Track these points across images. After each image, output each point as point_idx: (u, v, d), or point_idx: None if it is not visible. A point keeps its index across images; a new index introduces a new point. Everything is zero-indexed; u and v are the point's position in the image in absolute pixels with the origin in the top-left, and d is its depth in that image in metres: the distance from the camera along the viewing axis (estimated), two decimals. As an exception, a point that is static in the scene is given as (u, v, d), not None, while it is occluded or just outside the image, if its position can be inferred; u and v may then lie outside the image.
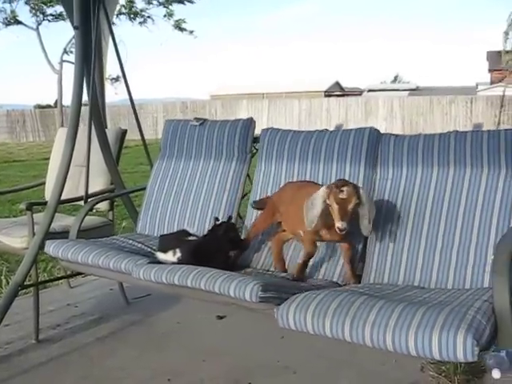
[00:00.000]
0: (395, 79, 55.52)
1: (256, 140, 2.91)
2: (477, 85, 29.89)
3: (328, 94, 30.54)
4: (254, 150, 2.93)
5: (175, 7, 18.94)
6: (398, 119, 21.24)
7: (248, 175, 2.92)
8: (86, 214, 2.86)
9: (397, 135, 2.49)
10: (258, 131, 2.96)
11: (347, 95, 27.81)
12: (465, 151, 2.25)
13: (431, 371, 2.59)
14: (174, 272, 2.05)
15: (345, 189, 2.05)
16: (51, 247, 2.56)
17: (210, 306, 3.24)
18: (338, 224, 2.03)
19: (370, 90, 31.52)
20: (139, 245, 2.72)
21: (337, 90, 33.24)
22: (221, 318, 3.33)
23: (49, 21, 20.69)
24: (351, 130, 2.61)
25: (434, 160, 2.32)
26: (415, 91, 29.64)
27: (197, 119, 3.10)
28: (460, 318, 1.55)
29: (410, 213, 2.30)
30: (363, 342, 1.64)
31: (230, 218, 2.62)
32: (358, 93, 30.60)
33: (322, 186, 2.24)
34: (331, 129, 2.80)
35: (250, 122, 2.94)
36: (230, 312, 3.32)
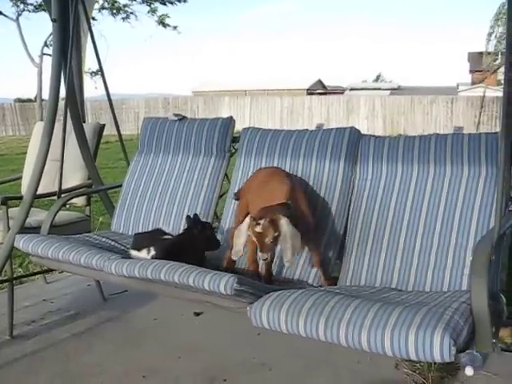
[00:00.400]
0: (377, 78, 55.83)
1: (235, 139, 2.90)
2: (458, 85, 30.18)
3: (310, 92, 30.58)
4: (233, 150, 2.92)
5: (158, 5, 18.76)
6: (380, 118, 21.35)
7: (226, 175, 2.91)
8: (59, 209, 2.82)
9: (377, 137, 2.50)
10: (239, 128, 2.95)
11: (329, 93, 27.88)
12: (445, 153, 2.26)
13: (405, 368, 2.61)
14: (147, 266, 2.02)
15: (261, 222, 2.01)
16: (21, 241, 2.52)
17: (187, 303, 3.25)
18: (260, 255, 2.06)
19: (352, 89, 31.65)
20: (112, 242, 2.69)
21: (319, 88, 33.29)
22: (198, 314, 3.32)
23: (29, 11, 20.35)
24: (332, 129, 2.61)
25: (414, 161, 2.32)
26: (397, 90, 29.83)
27: (175, 114, 3.08)
28: (437, 318, 1.54)
29: (388, 214, 2.30)
30: (338, 342, 1.63)
31: (195, 215, 2.50)
32: (340, 91, 30.71)
33: (289, 180, 2.27)
34: (313, 127, 2.80)
35: (229, 121, 2.93)
36: (207, 309, 3.31)
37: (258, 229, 2.01)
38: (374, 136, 2.51)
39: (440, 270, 2.12)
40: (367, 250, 2.29)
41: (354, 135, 2.51)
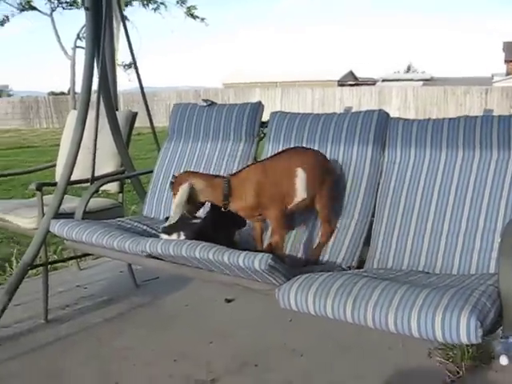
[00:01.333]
0: (408, 69, 55.15)
1: (263, 124, 2.90)
2: (492, 76, 29.61)
3: (341, 83, 30.38)
4: (262, 135, 2.91)
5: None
6: (412, 109, 21.10)
7: (255, 159, 2.89)
8: (92, 195, 2.85)
9: (405, 119, 2.46)
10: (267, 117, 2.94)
11: (361, 85, 27.64)
12: (474, 135, 2.22)
13: (438, 357, 2.58)
14: (182, 244, 2.01)
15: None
16: (56, 226, 2.55)
17: (218, 288, 3.28)
18: None
19: (384, 80, 31.33)
20: (144, 227, 2.71)
21: (350, 80, 33.06)
22: (229, 301, 3.34)
23: (63, 8, 20.70)
24: (360, 112, 2.58)
25: (443, 144, 2.28)
26: (429, 81, 29.42)
27: (205, 100, 3.09)
28: (464, 300, 1.52)
29: (416, 197, 2.28)
30: (365, 323, 1.61)
31: None
32: (371, 82, 30.42)
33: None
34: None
35: (258, 106, 2.92)
36: (238, 295, 3.33)
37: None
38: (402, 119, 2.47)
39: (468, 253, 2.09)
40: (395, 233, 2.27)
41: (383, 118, 2.48)
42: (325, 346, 2.75)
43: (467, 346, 2.58)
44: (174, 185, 2.27)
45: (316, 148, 2.56)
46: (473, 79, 27.57)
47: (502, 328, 1.57)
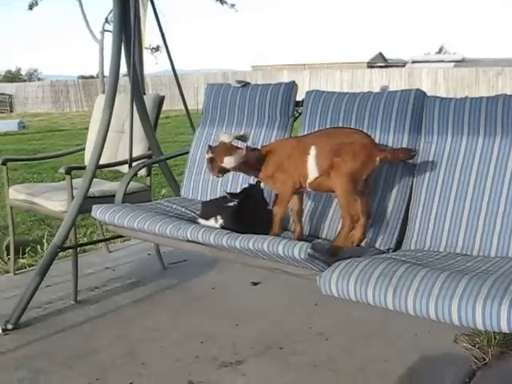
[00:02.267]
0: (440, 50, 54.19)
1: (298, 104, 2.89)
2: (526, 56, 28.93)
3: (371, 65, 30.02)
4: (297, 114, 2.90)
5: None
6: (442, 91, 20.79)
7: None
8: (131, 179, 2.89)
9: (442, 98, 2.41)
10: (299, 98, 2.92)
11: (390, 67, 27.28)
12: None
13: (465, 343, 2.56)
14: (222, 235, 2.05)
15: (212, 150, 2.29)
16: (98, 212, 2.58)
17: (244, 272, 3.30)
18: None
19: (413, 62, 30.84)
20: (183, 209, 2.73)
21: (380, 62, 32.65)
22: (255, 284, 3.36)
23: (91, -11, 20.77)
24: (396, 91, 2.53)
25: (481, 123, 2.23)
26: (461, 63, 28.86)
27: (238, 81, 3.08)
28: (504, 288, 1.53)
29: (454, 177, 2.24)
30: (406, 311, 1.63)
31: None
32: (401, 64, 30.00)
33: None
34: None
35: (292, 86, 2.90)
36: (264, 279, 3.35)
37: (209, 154, 2.27)
38: (439, 97, 2.42)
39: (506, 234, 2.07)
40: (432, 214, 2.25)
41: (420, 97, 2.44)
42: (350, 330, 2.76)
43: (494, 332, 2.56)
44: (217, 155, 2.27)
45: (352, 126, 2.53)
46: (506, 60, 26.96)
47: None
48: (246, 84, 3.07)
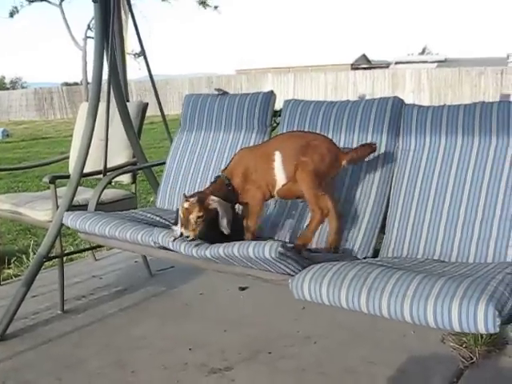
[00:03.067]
0: (423, 51, 54.53)
1: (276, 113, 2.89)
2: (508, 56, 29.18)
3: (354, 67, 30.15)
4: (275, 124, 2.91)
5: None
6: (426, 92, 20.92)
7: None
8: (105, 187, 2.88)
9: (420, 106, 2.43)
10: (281, 105, 2.93)
11: (374, 68, 27.40)
12: (491, 122, 2.18)
13: (452, 342, 2.58)
14: (191, 246, 2.03)
15: (190, 200, 2.08)
16: (69, 219, 2.58)
17: (232, 277, 3.27)
18: (183, 231, 2.07)
19: (397, 63, 31.02)
20: (157, 218, 2.72)
21: (363, 63, 32.79)
22: (243, 289, 3.37)
23: (71, -3, 20.70)
24: (374, 99, 2.56)
25: (459, 131, 2.25)
26: (444, 63, 29.09)
27: (217, 90, 3.09)
28: (481, 289, 1.50)
29: (431, 185, 2.25)
30: (380, 313, 1.60)
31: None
32: (385, 65, 30.15)
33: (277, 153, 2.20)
34: (356, 102, 2.74)
35: (270, 95, 2.91)
36: (251, 284, 3.35)
37: (186, 205, 2.08)
38: (417, 105, 2.44)
39: (484, 241, 2.07)
40: (409, 222, 2.25)
41: (397, 105, 2.46)
42: (338, 333, 2.76)
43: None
44: (204, 205, 2.10)
45: (330, 136, 2.53)
46: (488, 60, 27.22)
47: None
48: (224, 93, 3.07)
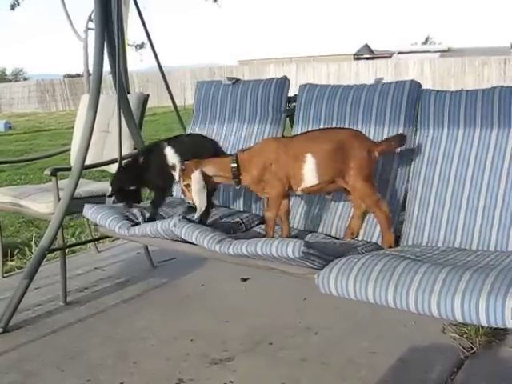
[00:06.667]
0: (426, 41, 54.29)
1: (290, 99, 2.88)
2: (511, 45, 29.02)
3: (357, 57, 30.04)
4: (289, 110, 2.89)
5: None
6: (429, 81, 20.83)
7: (283, 135, 2.85)
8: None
9: (438, 91, 2.40)
10: (290, 93, 2.92)
11: (377, 58, 27.30)
12: (510, 106, 2.16)
13: (452, 333, 2.59)
14: (215, 242, 2.04)
15: (183, 167, 2.28)
16: (90, 212, 2.60)
17: (234, 269, 3.27)
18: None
19: (400, 53, 30.86)
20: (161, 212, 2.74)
21: (366, 53, 32.65)
22: (245, 280, 3.37)
23: (73, -12, 20.64)
24: (390, 83, 2.51)
25: (477, 116, 2.23)
26: (447, 53, 28.93)
27: (229, 78, 3.08)
28: (508, 283, 1.51)
29: (451, 171, 2.24)
30: (407, 308, 1.61)
31: None
32: (387, 55, 29.99)
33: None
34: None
35: (284, 81, 2.90)
36: (253, 275, 3.36)
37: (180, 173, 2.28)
38: (434, 90, 2.41)
39: (505, 228, 2.06)
40: (429, 209, 2.24)
41: (415, 89, 2.43)
42: (339, 324, 2.77)
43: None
44: (185, 173, 2.26)
45: (347, 123, 2.53)
46: (491, 49, 27.08)
47: None
48: (237, 81, 3.06)
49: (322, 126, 2.63)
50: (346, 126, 2.51)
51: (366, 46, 35.31)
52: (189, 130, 3.20)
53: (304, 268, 1.89)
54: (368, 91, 2.55)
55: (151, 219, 2.50)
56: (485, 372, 2.34)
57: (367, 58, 27.61)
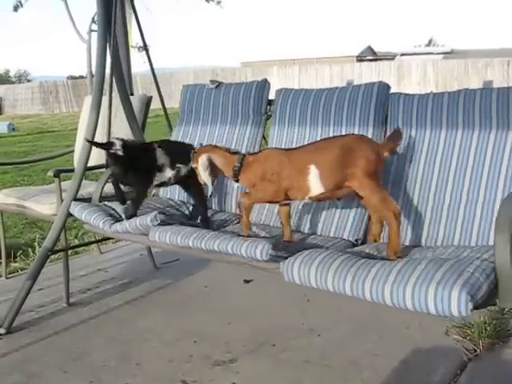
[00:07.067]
0: (429, 43, 54.26)
1: (271, 102, 2.91)
2: (515, 46, 28.99)
3: (360, 58, 30.04)
4: (270, 112, 2.91)
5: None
6: (432, 83, 20.82)
7: (264, 137, 2.90)
8: (107, 180, 2.88)
9: (406, 94, 2.45)
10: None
11: (380, 60, 27.30)
12: (473, 109, 2.23)
13: (456, 335, 2.59)
14: (188, 236, 2.13)
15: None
16: (75, 210, 2.62)
17: (237, 270, 3.31)
18: None
19: (402, 54, 30.85)
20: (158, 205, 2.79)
21: (369, 55, 32.66)
22: (248, 281, 3.38)
23: (76, -10, 20.64)
24: (360, 85, 2.57)
25: (443, 119, 2.30)
26: (450, 54, 28.91)
27: (212, 81, 3.11)
28: (458, 274, 1.56)
29: (418, 172, 2.31)
30: (363, 296, 1.67)
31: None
32: (390, 57, 30.01)
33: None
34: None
35: (264, 84, 2.94)
36: (256, 276, 3.36)
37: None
38: (403, 94, 2.45)
39: (468, 223, 2.13)
40: (412, 208, 2.30)
41: (383, 90, 2.49)
42: (342, 326, 2.77)
43: (485, 323, 2.59)
44: (195, 157, 2.35)
45: (319, 129, 2.61)
46: (494, 51, 27.05)
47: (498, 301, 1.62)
48: (219, 84, 3.10)
49: (296, 128, 2.71)
50: (318, 133, 2.61)
51: (369, 47, 35.30)
52: (174, 132, 3.22)
53: (274, 263, 1.96)
54: (339, 93, 2.61)
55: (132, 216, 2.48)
56: (488, 374, 2.34)
57: (370, 60, 27.59)
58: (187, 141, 3.07)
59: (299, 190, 2.19)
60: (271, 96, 2.92)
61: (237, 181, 2.32)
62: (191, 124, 3.18)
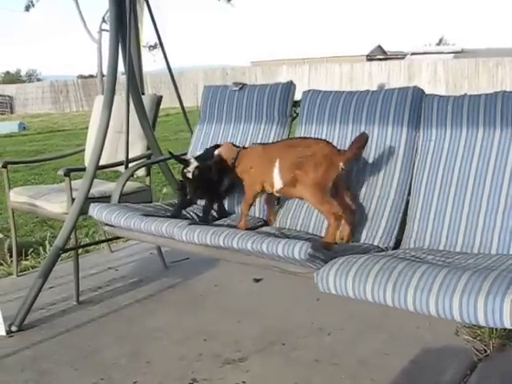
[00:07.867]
0: (440, 42, 54.02)
1: (296, 104, 2.90)
2: (526, 46, 28.80)
3: (370, 57, 29.95)
4: (294, 114, 2.90)
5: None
6: (442, 83, 20.74)
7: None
8: (128, 179, 2.91)
9: (441, 96, 2.40)
10: (298, 97, 2.93)
11: (390, 59, 27.20)
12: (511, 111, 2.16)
13: (466, 335, 2.58)
14: (219, 234, 2.06)
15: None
16: (95, 210, 2.61)
17: (246, 269, 3.29)
18: None
19: (413, 54, 30.72)
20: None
21: (379, 54, 32.53)
22: (257, 280, 3.38)
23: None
24: (394, 89, 2.53)
25: (480, 121, 2.23)
26: (460, 54, 28.76)
27: (235, 83, 3.10)
28: (507, 284, 1.50)
29: (453, 175, 2.23)
30: (405, 307, 1.61)
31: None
32: (400, 56, 29.87)
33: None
34: (374, 92, 2.73)
35: (289, 85, 2.92)
36: (266, 275, 3.36)
37: None
38: (437, 95, 2.41)
39: (507, 231, 2.05)
40: (431, 212, 2.24)
41: (417, 95, 2.44)
42: (352, 325, 2.77)
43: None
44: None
45: (350, 128, 2.58)
46: (505, 50, 26.87)
47: None
48: (243, 86, 3.08)
49: (325, 127, 2.68)
50: (349, 133, 2.59)
51: (379, 46, 35.17)
52: (196, 132, 3.22)
53: (304, 267, 1.90)
54: (371, 97, 2.57)
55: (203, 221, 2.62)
56: (498, 374, 2.33)
57: (380, 59, 27.48)
58: (209, 142, 3.08)
59: (269, 182, 2.41)
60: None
61: (234, 169, 2.56)
62: (213, 125, 3.16)
